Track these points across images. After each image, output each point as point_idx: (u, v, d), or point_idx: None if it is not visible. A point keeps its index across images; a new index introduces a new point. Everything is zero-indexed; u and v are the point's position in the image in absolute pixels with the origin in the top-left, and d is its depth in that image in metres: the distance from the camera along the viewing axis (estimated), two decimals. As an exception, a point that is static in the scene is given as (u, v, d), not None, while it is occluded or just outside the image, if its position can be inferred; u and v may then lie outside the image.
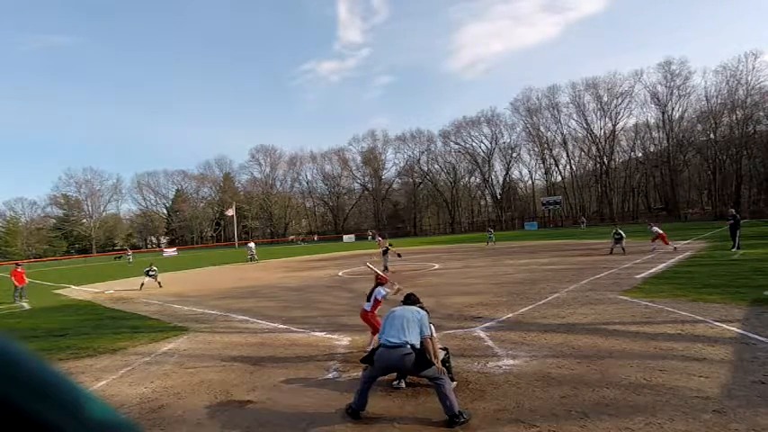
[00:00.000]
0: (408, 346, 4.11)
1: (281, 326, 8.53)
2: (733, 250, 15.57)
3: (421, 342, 4.26)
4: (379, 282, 6.50)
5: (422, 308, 4.92)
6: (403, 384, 4.91)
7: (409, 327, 4.18)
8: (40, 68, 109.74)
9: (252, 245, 31.53)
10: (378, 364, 4.14)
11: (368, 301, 6.41)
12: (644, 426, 3.71)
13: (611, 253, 17.54)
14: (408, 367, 4.14)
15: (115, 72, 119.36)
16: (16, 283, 15.73)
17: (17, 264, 17.06)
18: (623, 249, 17.56)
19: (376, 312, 6.34)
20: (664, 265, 13.48)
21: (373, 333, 6.23)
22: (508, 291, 10.82)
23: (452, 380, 4.51)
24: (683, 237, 24.77)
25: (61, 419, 0.34)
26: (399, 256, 19.29)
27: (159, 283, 17.10)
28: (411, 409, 4.41)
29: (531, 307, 8.75)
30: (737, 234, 16.22)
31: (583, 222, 55.38)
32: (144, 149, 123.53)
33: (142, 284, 16.79)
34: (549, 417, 4.01)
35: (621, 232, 18.04)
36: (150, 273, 17.06)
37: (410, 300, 5.12)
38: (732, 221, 16.58)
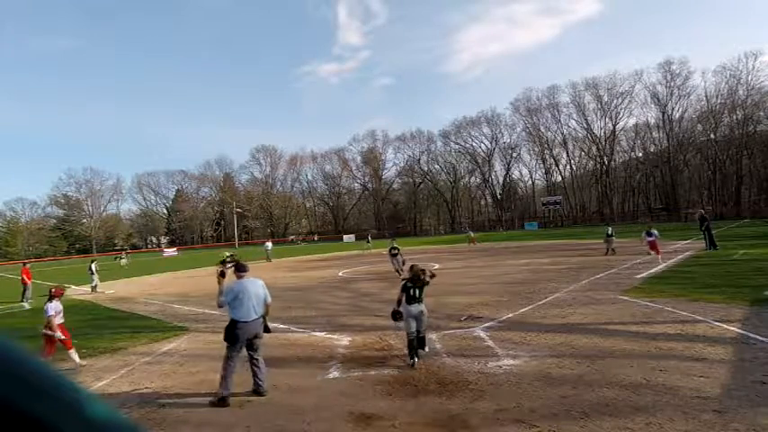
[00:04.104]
0: (261, 318, 5.25)
1: (281, 326, 8.52)
2: (735, 251, 15.57)
3: (266, 308, 5.41)
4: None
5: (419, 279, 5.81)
6: (417, 359, 5.58)
7: (258, 303, 5.18)
8: (40, 69, 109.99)
9: (269, 244, 30.85)
10: (242, 337, 5.03)
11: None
12: (644, 426, 3.71)
13: (606, 254, 17.41)
14: (260, 332, 5.25)
15: (116, 72, 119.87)
16: (27, 281, 15.74)
17: (24, 263, 17.35)
18: (610, 250, 17.55)
19: None
20: (664, 265, 13.47)
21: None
22: (508, 291, 10.82)
23: None
24: (683, 237, 24.77)
25: (61, 419, 0.34)
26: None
27: (93, 288, 16.28)
28: (411, 409, 4.41)
29: (531, 307, 8.75)
30: (711, 234, 16.63)
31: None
32: (144, 149, 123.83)
33: (95, 286, 16.37)
34: (549, 417, 4.01)
35: (610, 230, 17.99)
36: (92, 270, 16.49)
37: (414, 269, 5.96)
38: (706, 222, 16.83)
